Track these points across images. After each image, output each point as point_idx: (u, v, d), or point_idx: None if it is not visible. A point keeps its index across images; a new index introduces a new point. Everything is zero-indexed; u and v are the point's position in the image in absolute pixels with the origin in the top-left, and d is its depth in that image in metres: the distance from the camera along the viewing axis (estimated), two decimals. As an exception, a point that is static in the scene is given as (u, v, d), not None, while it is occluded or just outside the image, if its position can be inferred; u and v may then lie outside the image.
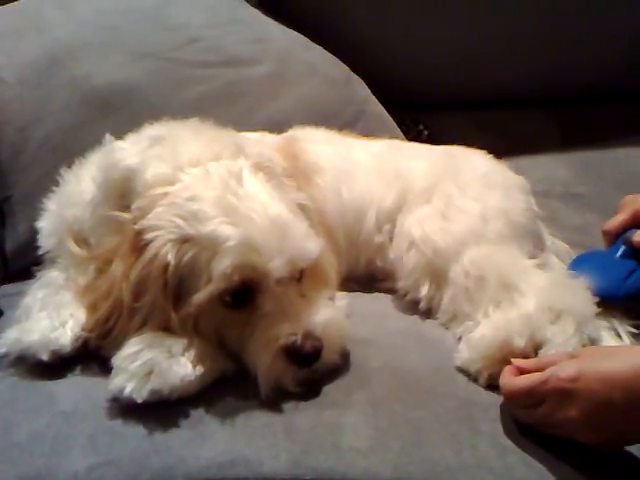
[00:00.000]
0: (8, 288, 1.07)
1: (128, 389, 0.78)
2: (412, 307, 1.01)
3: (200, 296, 0.81)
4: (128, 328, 0.83)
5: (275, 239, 0.82)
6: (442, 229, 0.99)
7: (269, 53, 1.31)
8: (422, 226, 1.00)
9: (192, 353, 0.81)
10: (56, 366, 0.85)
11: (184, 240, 0.82)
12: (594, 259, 1.00)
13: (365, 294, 1.06)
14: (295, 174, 1.02)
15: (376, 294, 1.06)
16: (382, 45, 1.53)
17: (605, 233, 1.00)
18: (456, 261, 0.96)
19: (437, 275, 0.98)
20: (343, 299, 0.94)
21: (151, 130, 0.95)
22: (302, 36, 1.39)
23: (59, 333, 0.85)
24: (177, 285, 0.82)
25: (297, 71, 1.33)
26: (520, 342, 0.85)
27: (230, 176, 0.85)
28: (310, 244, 0.86)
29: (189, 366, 0.80)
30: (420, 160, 1.11)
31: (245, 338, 0.83)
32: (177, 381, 0.79)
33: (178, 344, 0.82)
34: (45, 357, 0.84)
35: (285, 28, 1.39)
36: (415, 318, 1.00)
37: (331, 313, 0.86)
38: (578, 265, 0.99)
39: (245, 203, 0.83)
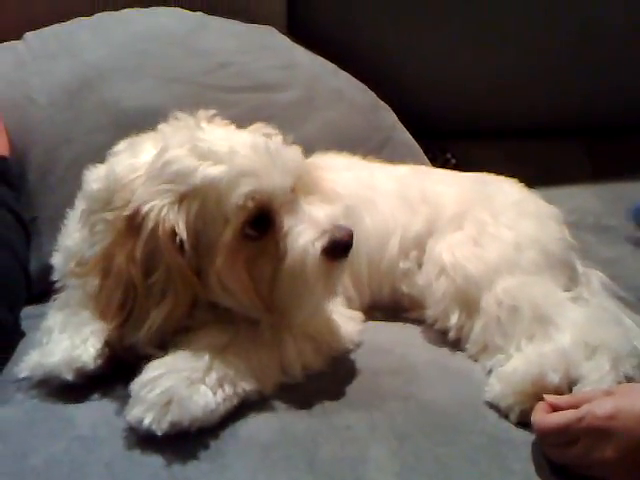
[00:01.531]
0: (31, 310, 1.05)
1: (147, 420, 0.75)
2: (439, 338, 0.98)
3: (226, 236, 0.80)
4: (147, 306, 0.81)
5: (264, 159, 0.83)
6: (474, 256, 0.96)
7: (297, 79, 1.30)
8: (453, 252, 0.97)
9: (212, 377, 0.78)
10: (80, 387, 0.83)
11: (181, 199, 0.81)
12: None
13: (390, 323, 1.03)
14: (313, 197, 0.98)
15: (401, 324, 1.03)
16: (410, 73, 1.52)
17: None
18: (489, 289, 0.93)
19: (468, 303, 0.94)
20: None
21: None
22: (330, 63, 1.38)
23: (81, 350, 0.83)
24: (196, 243, 0.81)
25: (324, 97, 1.32)
26: (554, 378, 0.81)
27: (191, 129, 0.87)
28: (293, 153, 0.88)
29: (209, 395, 0.78)
30: (449, 186, 1.09)
31: (280, 265, 0.82)
32: (198, 411, 0.76)
33: (198, 368, 0.79)
34: (69, 376, 0.82)
35: (313, 55, 1.38)
36: (442, 349, 0.96)
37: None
38: None
39: (219, 143, 0.84)
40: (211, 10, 1.36)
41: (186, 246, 0.81)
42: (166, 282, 0.81)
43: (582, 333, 0.86)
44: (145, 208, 0.81)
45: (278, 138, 0.88)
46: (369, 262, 1.03)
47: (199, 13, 1.34)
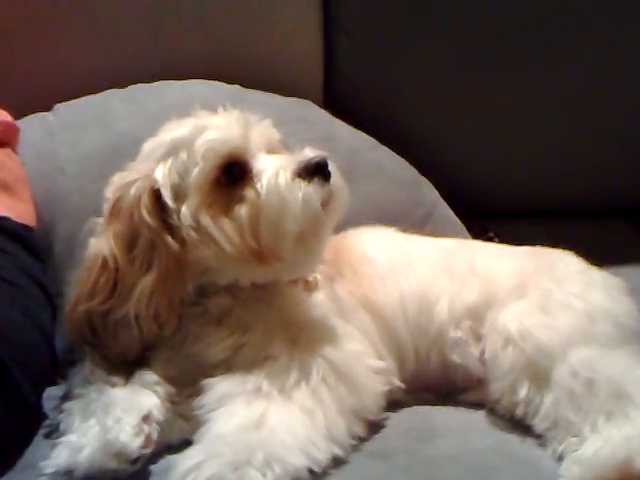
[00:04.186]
0: (54, 391, 1.02)
1: None
2: (502, 423, 0.95)
3: (197, 178, 0.90)
4: (133, 277, 0.89)
5: (232, 118, 0.95)
6: (544, 324, 0.94)
7: (337, 151, 1.31)
8: (520, 321, 0.95)
9: (259, 457, 0.76)
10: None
11: (157, 163, 0.92)
12: None
13: (443, 407, 1.00)
14: (338, 264, 1.03)
15: (457, 407, 1.00)
16: (449, 152, 1.54)
17: None
18: (562, 360, 0.91)
19: (539, 375, 0.92)
20: None
21: None
22: (369, 137, 1.41)
23: (116, 432, 0.80)
24: (175, 197, 0.91)
25: (365, 170, 1.34)
26: None
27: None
28: (265, 121, 0.99)
29: (259, 476, 0.75)
30: (500, 258, 1.09)
31: (258, 206, 0.89)
32: None
33: (240, 449, 0.77)
34: (112, 464, 0.79)
35: (352, 128, 1.41)
36: (505, 435, 0.93)
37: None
38: None
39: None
40: (247, 84, 1.39)
41: (168, 201, 0.90)
42: (149, 252, 0.89)
43: (665, 416, 0.83)
44: (122, 192, 0.91)
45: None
46: (411, 327, 1.02)
47: (236, 86, 1.38)
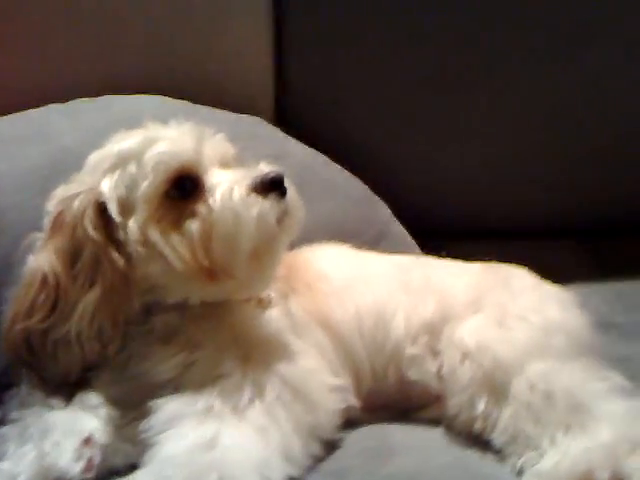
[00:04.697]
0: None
1: None
2: (459, 439, 0.94)
3: (145, 191, 0.87)
4: (75, 294, 0.86)
5: (183, 131, 0.94)
6: (501, 338, 0.95)
7: (289, 168, 1.28)
8: (477, 335, 0.95)
9: (213, 478, 0.73)
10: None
11: (104, 175, 0.90)
12: None
13: (400, 425, 0.99)
14: (292, 281, 1.02)
15: (414, 425, 0.99)
16: (402, 170, 1.54)
17: None
18: (519, 374, 0.90)
19: (496, 389, 0.91)
20: None
21: None
22: (321, 154, 1.41)
23: (54, 457, 0.77)
24: (122, 211, 0.88)
25: (317, 188, 1.32)
26: (603, 476, 0.78)
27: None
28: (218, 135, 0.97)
29: None
30: (455, 275, 1.09)
31: (210, 221, 0.87)
32: None
33: (193, 470, 0.74)
34: None
35: (304, 145, 1.40)
36: (464, 451, 0.92)
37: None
38: None
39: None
40: (196, 100, 1.38)
41: (114, 214, 0.88)
42: (92, 268, 0.87)
43: (622, 427, 0.84)
44: (64, 205, 0.89)
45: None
46: (366, 344, 1.01)
47: (184, 101, 1.36)
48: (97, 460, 0.80)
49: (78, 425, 0.81)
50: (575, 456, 0.81)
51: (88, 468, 0.78)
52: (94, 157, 0.95)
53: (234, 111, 1.40)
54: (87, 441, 0.80)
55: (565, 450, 0.83)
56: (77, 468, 0.77)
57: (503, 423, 0.89)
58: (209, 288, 0.90)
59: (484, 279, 1.07)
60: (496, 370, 0.92)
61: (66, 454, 0.77)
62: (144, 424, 0.82)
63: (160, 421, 0.81)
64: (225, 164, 0.95)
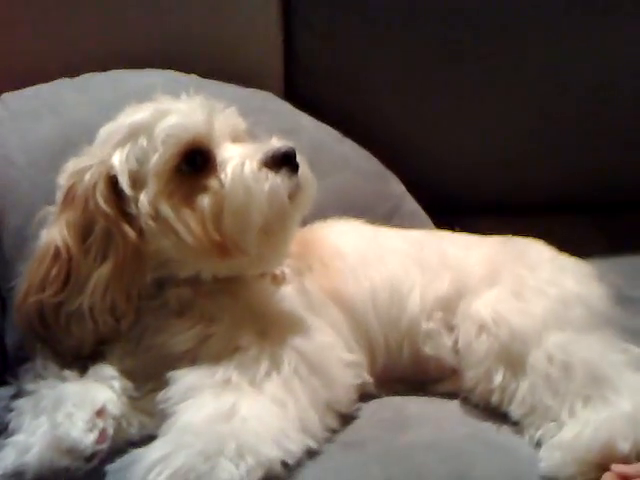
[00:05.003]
0: (4, 391, 0.96)
1: None
2: (475, 412, 0.94)
3: (156, 165, 0.86)
4: (87, 268, 0.85)
5: (194, 104, 0.93)
6: (518, 310, 0.94)
7: (301, 143, 1.29)
8: (493, 307, 0.95)
9: (231, 447, 0.73)
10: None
11: (115, 148, 0.89)
12: None
13: (416, 397, 0.99)
14: (307, 257, 1.02)
15: (430, 397, 0.99)
16: (414, 147, 1.52)
17: None
18: (537, 345, 0.90)
19: (514, 361, 0.91)
20: None
21: None
22: (332, 129, 1.39)
23: (66, 427, 0.76)
24: (133, 184, 0.88)
25: (330, 163, 1.31)
26: (625, 446, 0.78)
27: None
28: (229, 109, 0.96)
29: (232, 468, 0.71)
30: (470, 248, 1.08)
31: (222, 196, 0.86)
32: None
33: (211, 438, 0.73)
34: (65, 462, 0.75)
35: (316, 120, 1.39)
36: (480, 423, 0.92)
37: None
38: None
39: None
40: (205, 75, 1.36)
41: (125, 188, 0.87)
42: (104, 241, 0.86)
43: (642, 398, 0.83)
44: (77, 179, 0.88)
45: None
46: (381, 319, 1.01)
47: (193, 75, 1.35)
48: (110, 431, 0.80)
49: (91, 396, 0.81)
50: (596, 426, 0.80)
51: (101, 439, 0.78)
52: (105, 130, 0.95)
53: (243, 86, 1.38)
54: (100, 412, 0.80)
55: (585, 421, 0.82)
56: (90, 439, 0.76)
57: (521, 395, 0.89)
58: (221, 263, 0.90)
59: (500, 252, 1.06)
60: (513, 342, 0.91)
61: (78, 425, 0.77)
62: (162, 395, 0.82)
63: (178, 392, 0.81)
64: (236, 138, 0.94)
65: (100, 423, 0.79)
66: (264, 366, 0.84)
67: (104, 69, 1.34)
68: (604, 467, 0.76)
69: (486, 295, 0.98)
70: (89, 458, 0.77)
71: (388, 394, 0.98)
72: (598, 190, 1.59)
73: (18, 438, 0.78)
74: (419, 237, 1.12)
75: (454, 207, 1.51)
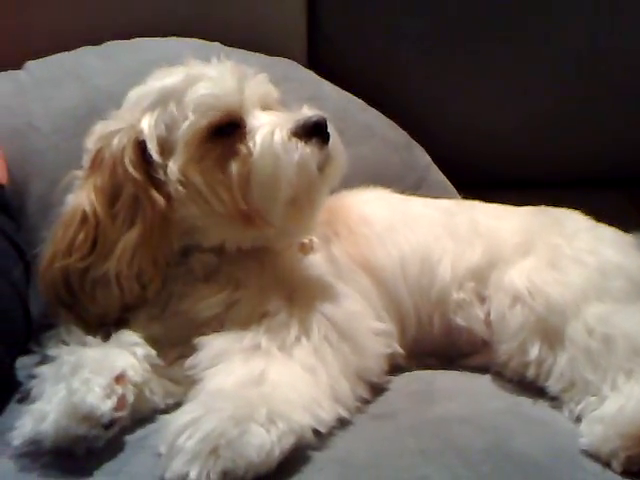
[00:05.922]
0: (29, 359, 0.94)
1: (193, 474, 0.66)
2: (509, 386, 0.91)
3: (186, 133, 0.84)
4: (114, 234, 0.84)
5: (224, 71, 0.90)
6: (555, 280, 0.90)
7: (325, 112, 1.27)
8: (528, 277, 0.91)
9: (262, 412, 0.70)
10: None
11: (143, 113, 0.87)
12: None
13: (448, 371, 0.96)
14: (334, 224, 0.99)
15: (462, 372, 0.96)
16: (438, 119, 1.46)
17: None
18: (575, 317, 0.86)
19: (551, 333, 0.88)
20: None
21: None
22: (357, 98, 1.36)
23: (82, 394, 0.73)
24: (161, 150, 0.85)
25: (355, 132, 1.28)
26: None
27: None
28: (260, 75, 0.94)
29: (263, 433, 0.68)
30: (503, 218, 1.05)
31: (250, 163, 0.84)
32: (253, 455, 0.67)
33: (242, 403, 0.71)
34: (82, 429, 0.72)
35: (339, 89, 1.35)
36: (515, 397, 0.89)
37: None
38: None
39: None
40: (228, 43, 1.33)
41: (153, 154, 0.85)
42: (132, 207, 0.84)
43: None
44: (105, 143, 0.86)
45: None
46: (411, 288, 0.98)
47: (216, 43, 1.32)
48: (130, 398, 0.77)
49: (110, 362, 0.79)
50: (640, 400, 0.77)
51: (120, 406, 0.75)
52: (134, 93, 0.92)
53: (267, 54, 1.35)
54: (119, 378, 0.77)
55: (629, 394, 0.79)
56: (107, 405, 0.74)
57: (559, 369, 0.86)
58: (246, 233, 0.87)
59: (534, 222, 1.02)
60: (550, 314, 0.88)
61: (95, 391, 0.74)
62: (190, 361, 0.80)
63: (207, 357, 0.79)
64: (267, 106, 0.91)
65: (119, 389, 0.76)
66: (293, 331, 0.81)
67: (127, 38, 1.31)
68: (649, 441, 0.73)
69: (520, 265, 0.94)
70: (108, 426, 0.74)
71: (418, 367, 0.96)
72: (631, 164, 1.54)
73: (36, 406, 0.76)
74: (449, 206, 1.09)
75: (479, 181, 1.47)
